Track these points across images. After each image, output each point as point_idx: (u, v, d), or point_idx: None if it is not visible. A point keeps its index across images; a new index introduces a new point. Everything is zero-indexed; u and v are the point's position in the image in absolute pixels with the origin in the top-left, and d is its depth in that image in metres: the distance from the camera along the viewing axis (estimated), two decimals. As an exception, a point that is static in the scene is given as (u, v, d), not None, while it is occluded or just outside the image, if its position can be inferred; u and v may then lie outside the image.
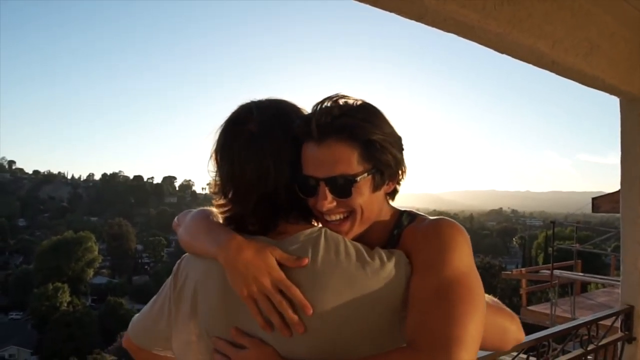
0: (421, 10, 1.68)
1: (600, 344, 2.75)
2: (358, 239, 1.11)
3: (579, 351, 2.64)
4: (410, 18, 1.73)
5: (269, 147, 1.06)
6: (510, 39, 1.98)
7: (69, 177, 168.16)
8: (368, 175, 1.05)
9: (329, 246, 1.04)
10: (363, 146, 1.04)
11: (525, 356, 2.28)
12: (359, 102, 1.09)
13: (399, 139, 1.12)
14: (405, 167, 1.14)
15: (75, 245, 60.58)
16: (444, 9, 1.69)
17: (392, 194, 1.18)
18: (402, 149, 1.13)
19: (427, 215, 1.18)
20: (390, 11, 1.67)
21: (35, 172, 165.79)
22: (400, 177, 1.15)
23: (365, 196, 1.07)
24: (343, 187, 1.04)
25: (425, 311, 0.94)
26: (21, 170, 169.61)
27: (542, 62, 2.27)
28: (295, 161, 1.08)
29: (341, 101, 1.07)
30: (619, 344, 2.96)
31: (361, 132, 1.03)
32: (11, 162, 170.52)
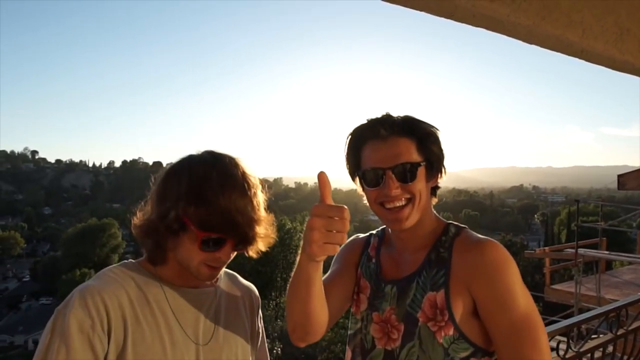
0: (451, 8, 1.68)
1: (630, 328, 2.76)
2: (411, 234, 1.31)
3: (609, 336, 2.65)
4: (441, 16, 1.73)
5: None
6: (539, 31, 1.96)
7: (90, 165, 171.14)
8: (424, 164, 1.27)
9: None
10: (418, 140, 1.28)
11: (559, 338, 2.32)
12: (403, 115, 1.32)
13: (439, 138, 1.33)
14: (445, 166, 1.34)
15: (100, 232, 61.83)
16: (474, 6, 1.68)
17: (434, 191, 1.37)
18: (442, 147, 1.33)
19: (468, 228, 1.34)
20: (421, 10, 1.67)
21: (58, 161, 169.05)
22: (441, 173, 1.34)
23: (422, 183, 1.27)
24: (408, 172, 1.25)
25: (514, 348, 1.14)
26: (44, 159, 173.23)
27: (571, 51, 2.24)
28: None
29: (392, 114, 1.32)
30: (650, 327, 2.95)
31: (416, 129, 1.29)
32: (34, 152, 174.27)
